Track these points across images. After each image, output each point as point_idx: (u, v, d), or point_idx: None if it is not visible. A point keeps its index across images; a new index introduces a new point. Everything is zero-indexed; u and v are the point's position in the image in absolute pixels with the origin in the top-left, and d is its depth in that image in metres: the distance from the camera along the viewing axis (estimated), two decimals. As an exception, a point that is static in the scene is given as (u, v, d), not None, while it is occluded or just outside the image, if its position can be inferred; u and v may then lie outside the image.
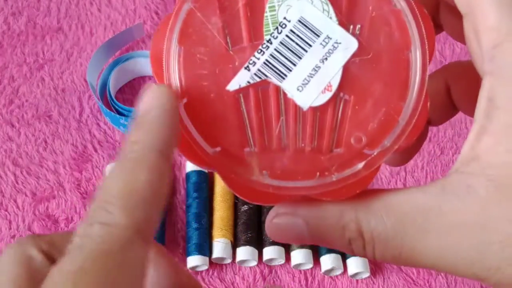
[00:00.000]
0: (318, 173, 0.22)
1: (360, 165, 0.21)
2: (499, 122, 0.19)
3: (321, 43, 0.22)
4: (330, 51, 0.22)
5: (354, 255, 0.22)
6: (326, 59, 0.22)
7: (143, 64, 0.63)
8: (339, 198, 0.21)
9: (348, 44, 0.22)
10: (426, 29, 0.22)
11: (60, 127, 0.60)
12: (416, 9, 0.22)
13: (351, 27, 0.23)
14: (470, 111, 0.25)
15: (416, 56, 0.22)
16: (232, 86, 0.22)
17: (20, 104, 0.62)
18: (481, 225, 0.19)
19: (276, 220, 0.22)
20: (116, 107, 0.60)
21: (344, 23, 0.23)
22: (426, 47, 0.22)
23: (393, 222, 0.20)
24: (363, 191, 0.22)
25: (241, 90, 0.22)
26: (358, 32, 0.22)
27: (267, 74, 0.22)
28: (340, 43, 0.22)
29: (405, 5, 0.22)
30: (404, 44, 0.22)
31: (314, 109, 0.22)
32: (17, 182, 0.57)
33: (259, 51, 0.23)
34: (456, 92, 0.25)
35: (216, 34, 0.23)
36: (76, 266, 0.17)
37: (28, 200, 0.56)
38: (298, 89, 0.22)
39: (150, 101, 0.20)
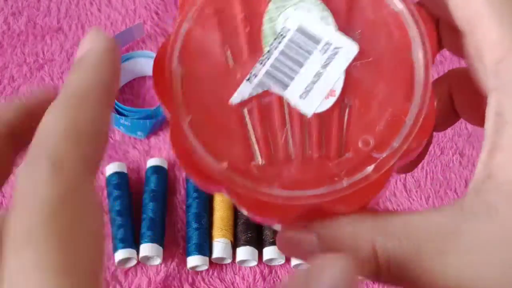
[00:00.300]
0: (328, 180, 0.21)
1: (370, 168, 0.21)
2: (510, 136, 0.19)
3: (321, 50, 0.22)
4: (331, 56, 0.22)
5: (368, 278, 0.22)
6: (327, 65, 0.22)
7: (143, 64, 0.63)
8: (353, 206, 0.21)
9: (349, 49, 0.22)
10: (427, 28, 0.22)
11: (60, 127, 0.60)
12: (415, 10, 0.22)
13: (351, 31, 0.23)
14: (472, 119, 0.25)
15: (418, 55, 0.22)
16: (235, 99, 0.22)
17: (20, 104, 0.62)
18: (502, 243, 0.19)
19: (288, 234, 0.22)
20: (116, 107, 0.60)
21: (343, 28, 0.23)
22: (428, 45, 0.22)
23: (410, 245, 0.20)
24: (377, 211, 0.21)
25: (244, 103, 0.22)
26: (358, 36, 0.22)
27: (269, 84, 0.22)
28: (340, 48, 0.22)
29: (403, 7, 0.22)
30: (405, 44, 0.22)
31: (319, 116, 0.22)
32: (17, 182, 0.57)
33: (260, 62, 0.23)
34: (458, 99, 0.25)
35: (217, 49, 0.23)
36: (36, 218, 0.16)
37: (28, 200, 0.56)
38: (301, 97, 0.22)
39: (89, 43, 0.20)
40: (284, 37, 0.23)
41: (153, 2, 0.68)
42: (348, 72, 0.22)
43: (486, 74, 0.20)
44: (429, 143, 0.24)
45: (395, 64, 0.22)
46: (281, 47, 0.23)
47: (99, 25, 0.66)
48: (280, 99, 0.22)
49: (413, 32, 0.22)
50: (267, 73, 0.22)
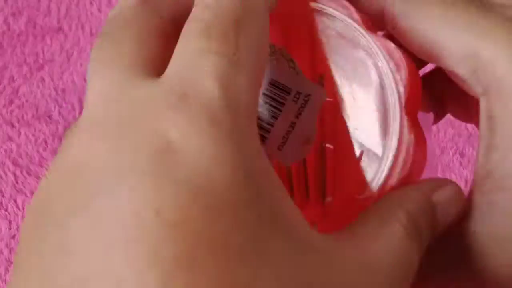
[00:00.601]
0: (313, 225, 0.21)
1: (352, 210, 0.21)
2: (503, 136, 0.20)
3: (293, 100, 0.22)
4: (303, 105, 0.22)
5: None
6: (300, 114, 0.22)
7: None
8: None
9: (318, 95, 0.22)
10: (396, 59, 0.22)
11: (60, 127, 0.60)
12: (381, 43, 0.22)
13: (319, 77, 0.22)
14: (459, 115, 0.26)
15: (388, 88, 0.22)
16: None
17: (20, 104, 0.61)
18: (509, 237, 0.20)
19: None
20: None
21: (310, 74, 0.22)
22: (399, 77, 0.21)
23: None
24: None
25: None
26: (327, 80, 0.22)
27: None
28: (310, 95, 0.22)
29: (371, 41, 0.22)
30: (375, 81, 0.22)
31: (298, 164, 0.22)
32: (17, 182, 0.57)
33: None
34: (446, 95, 0.26)
35: None
36: (216, 18, 0.17)
37: (28, 200, 0.56)
38: (279, 148, 0.22)
39: None
40: None
41: (153, 2, 0.68)
42: (321, 117, 0.22)
43: (469, 84, 0.21)
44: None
45: (367, 102, 0.22)
46: None
47: (99, 25, 0.66)
48: None
49: (381, 66, 0.22)
50: None
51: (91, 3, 0.68)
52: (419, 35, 0.21)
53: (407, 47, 0.22)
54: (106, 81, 0.17)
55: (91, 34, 0.66)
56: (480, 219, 0.20)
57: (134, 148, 0.15)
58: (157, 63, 0.18)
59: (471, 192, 0.21)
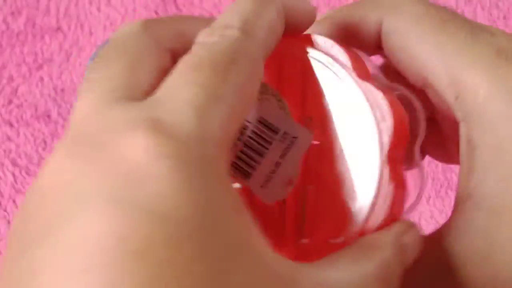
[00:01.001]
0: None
1: (325, 253, 0.21)
2: (482, 159, 0.21)
3: (280, 140, 0.23)
4: (289, 146, 0.23)
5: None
6: (285, 154, 0.23)
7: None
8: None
9: (304, 137, 0.23)
10: (382, 108, 0.22)
11: (59, 127, 0.60)
12: (370, 92, 0.22)
13: (307, 118, 0.23)
14: (438, 157, 0.28)
15: (372, 140, 0.22)
16: None
17: (19, 104, 0.61)
18: (487, 255, 0.20)
19: None
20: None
21: (299, 116, 0.23)
22: (385, 126, 0.22)
23: None
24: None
25: None
26: (314, 123, 0.23)
27: (235, 175, 0.23)
28: (296, 137, 0.23)
29: (359, 91, 0.22)
30: (361, 129, 0.22)
31: (279, 204, 0.23)
32: (16, 182, 0.57)
33: None
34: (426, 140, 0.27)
35: None
36: (211, 55, 0.18)
37: (27, 200, 0.56)
38: (262, 186, 0.23)
39: None
40: (247, 128, 0.23)
41: (153, 2, 0.67)
42: (305, 159, 0.23)
43: (452, 109, 0.22)
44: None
45: (352, 148, 0.22)
46: (244, 139, 0.23)
47: (98, 25, 0.66)
48: (245, 188, 0.23)
49: (370, 115, 0.22)
50: (233, 165, 0.23)
51: (90, 3, 0.67)
52: (408, 56, 0.23)
53: (396, 67, 0.23)
54: (87, 102, 0.17)
55: (90, 33, 0.66)
56: (457, 237, 0.21)
57: (101, 171, 0.15)
58: (145, 90, 0.18)
59: (452, 213, 0.22)
